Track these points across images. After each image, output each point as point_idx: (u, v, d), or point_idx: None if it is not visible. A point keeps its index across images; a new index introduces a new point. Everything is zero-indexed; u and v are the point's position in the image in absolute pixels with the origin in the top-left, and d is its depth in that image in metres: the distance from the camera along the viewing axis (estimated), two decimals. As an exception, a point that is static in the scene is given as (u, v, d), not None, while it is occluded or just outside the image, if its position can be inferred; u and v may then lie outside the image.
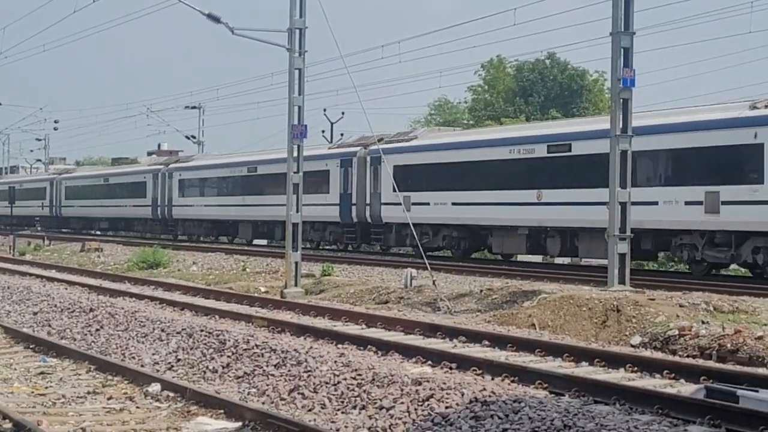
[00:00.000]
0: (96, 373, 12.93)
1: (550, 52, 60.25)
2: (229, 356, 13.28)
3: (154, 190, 51.21)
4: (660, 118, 24.85)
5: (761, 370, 12.20)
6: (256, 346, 13.31)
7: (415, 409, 9.76)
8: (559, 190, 27.03)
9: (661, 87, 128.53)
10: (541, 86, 61.58)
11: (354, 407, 10.31)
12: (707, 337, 14.03)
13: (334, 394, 10.79)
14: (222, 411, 10.32)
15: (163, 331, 15.43)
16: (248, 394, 11.50)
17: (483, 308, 18.71)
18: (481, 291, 20.16)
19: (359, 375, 11.15)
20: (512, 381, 11.19)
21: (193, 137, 65.60)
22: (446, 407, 9.62)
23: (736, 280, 23.81)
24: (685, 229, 23.99)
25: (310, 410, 10.50)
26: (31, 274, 28.17)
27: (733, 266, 29.27)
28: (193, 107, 65.26)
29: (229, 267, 30.47)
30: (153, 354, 14.25)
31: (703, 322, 15.02)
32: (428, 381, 10.46)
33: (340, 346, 13.74)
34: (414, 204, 31.82)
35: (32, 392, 11.73)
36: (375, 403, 10.22)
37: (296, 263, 22.52)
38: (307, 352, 12.48)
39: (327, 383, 11.15)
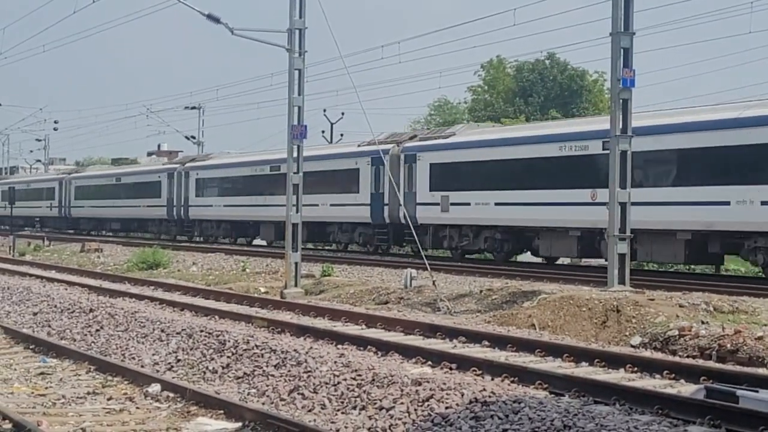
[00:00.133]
0: (96, 373, 12.93)
1: (550, 53, 60.31)
2: (229, 357, 13.28)
3: (170, 190, 49.52)
4: (729, 111, 23.17)
5: (761, 371, 12.20)
6: (256, 346, 13.31)
7: (415, 410, 9.76)
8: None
9: (662, 87, 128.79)
10: (540, 86, 61.60)
11: (354, 408, 10.31)
12: (707, 338, 14.03)
13: (334, 395, 10.78)
14: (222, 411, 10.32)
15: (162, 331, 15.43)
16: (248, 394, 11.50)
17: (483, 309, 18.71)
18: (481, 291, 20.16)
19: (359, 375, 11.15)
20: (512, 381, 11.18)
21: (193, 137, 65.59)
22: (446, 407, 9.62)
23: (736, 280, 23.79)
24: (760, 231, 22.14)
25: (310, 411, 10.50)
26: (30, 275, 28.16)
27: (733, 266, 29.26)
28: (193, 107, 65.21)
29: (229, 267, 30.46)
30: (153, 354, 14.25)
31: (703, 323, 15.01)
32: (428, 381, 10.46)
33: (340, 346, 13.74)
34: (453, 204, 30.44)
35: (32, 393, 11.73)
36: (375, 403, 10.22)
37: (296, 264, 22.51)
38: (307, 353, 12.48)
39: (327, 384, 11.15)
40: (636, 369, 11.99)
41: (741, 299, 17.23)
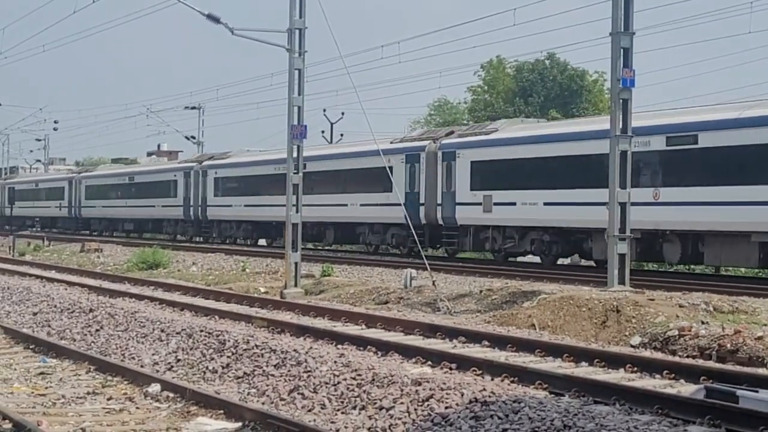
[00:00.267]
0: (96, 373, 12.93)
1: (550, 53, 60.23)
2: (228, 356, 13.29)
3: (186, 190, 47.93)
4: None
5: (761, 371, 12.20)
6: (256, 346, 13.31)
7: (415, 410, 9.76)
8: (682, 188, 23.53)
9: (662, 87, 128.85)
10: (540, 87, 61.54)
11: (354, 407, 10.31)
12: (707, 338, 14.03)
13: (333, 395, 10.79)
14: (222, 411, 10.32)
15: (162, 331, 15.43)
16: (248, 394, 11.50)
17: (483, 308, 18.71)
18: (481, 291, 20.17)
19: (359, 375, 11.15)
20: (512, 381, 11.19)
21: (193, 137, 65.61)
22: (446, 407, 9.62)
23: (735, 280, 23.78)
24: None
25: (310, 410, 10.50)
26: (30, 275, 28.17)
27: (733, 266, 28.97)
28: (193, 107, 65.21)
29: (229, 267, 30.47)
30: (153, 354, 14.25)
31: (702, 323, 15.02)
32: (428, 381, 10.46)
33: (339, 346, 13.74)
34: (496, 204, 28.82)
35: (32, 392, 11.73)
36: (375, 403, 10.22)
37: (296, 264, 22.52)
38: (306, 353, 12.48)
39: (327, 383, 11.15)
40: (636, 369, 12.00)
41: (741, 299, 17.25)
